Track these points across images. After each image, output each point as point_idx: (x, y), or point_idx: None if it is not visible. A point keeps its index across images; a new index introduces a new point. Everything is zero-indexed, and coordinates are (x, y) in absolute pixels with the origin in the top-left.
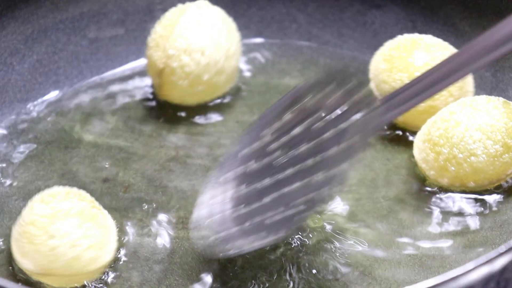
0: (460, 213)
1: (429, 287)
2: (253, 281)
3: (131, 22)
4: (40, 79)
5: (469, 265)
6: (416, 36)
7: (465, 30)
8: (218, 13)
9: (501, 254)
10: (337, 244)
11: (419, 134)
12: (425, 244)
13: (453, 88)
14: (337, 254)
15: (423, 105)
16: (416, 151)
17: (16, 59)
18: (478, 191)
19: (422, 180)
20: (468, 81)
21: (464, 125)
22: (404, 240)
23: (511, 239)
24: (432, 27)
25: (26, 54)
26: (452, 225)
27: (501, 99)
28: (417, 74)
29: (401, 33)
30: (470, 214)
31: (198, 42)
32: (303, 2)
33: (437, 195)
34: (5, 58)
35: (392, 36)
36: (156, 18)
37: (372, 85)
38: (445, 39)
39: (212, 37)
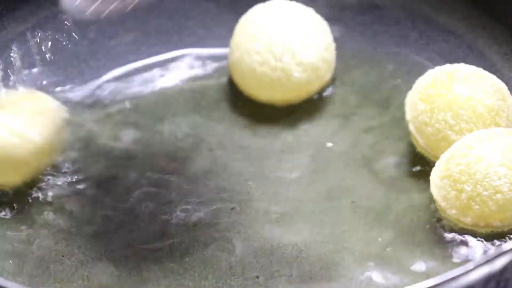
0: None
1: (429, 287)
2: None
3: (131, 22)
4: None
5: (469, 265)
6: (449, 68)
7: (466, 30)
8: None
9: (501, 254)
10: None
11: (434, 170)
12: None
13: (501, 120)
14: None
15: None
16: (434, 189)
17: None
18: (505, 231)
19: (441, 219)
20: None
21: (487, 161)
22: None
23: None
24: (433, 27)
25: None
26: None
27: None
28: (462, 112)
29: (401, 33)
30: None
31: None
32: (303, 2)
33: (459, 236)
34: (5, 58)
35: (392, 36)
36: (156, 18)
37: (411, 127)
38: (445, 40)
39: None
